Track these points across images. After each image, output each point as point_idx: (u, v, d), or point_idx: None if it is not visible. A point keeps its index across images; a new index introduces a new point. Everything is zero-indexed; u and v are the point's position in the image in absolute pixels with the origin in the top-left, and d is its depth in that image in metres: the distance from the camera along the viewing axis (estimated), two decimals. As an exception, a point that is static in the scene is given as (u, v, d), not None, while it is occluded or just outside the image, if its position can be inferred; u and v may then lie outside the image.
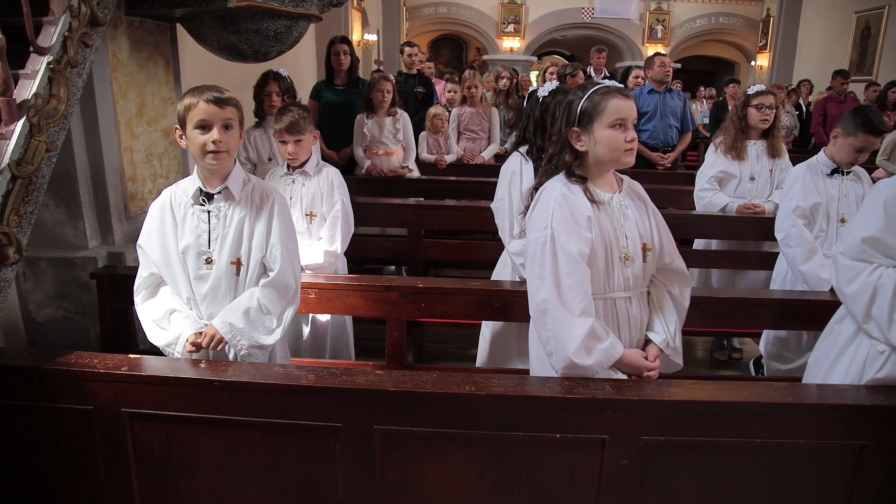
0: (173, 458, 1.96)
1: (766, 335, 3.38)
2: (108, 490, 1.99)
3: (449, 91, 5.95)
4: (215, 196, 2.09)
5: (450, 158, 5.40)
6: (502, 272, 3.15)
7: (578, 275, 1.89)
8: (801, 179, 3.13)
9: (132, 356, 2.01)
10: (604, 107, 1.90)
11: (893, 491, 1.86)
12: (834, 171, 3.11)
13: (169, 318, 2.12)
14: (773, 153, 3.78)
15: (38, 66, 2.30)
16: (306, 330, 3.14)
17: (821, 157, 3.16)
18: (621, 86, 1.98)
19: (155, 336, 2.13)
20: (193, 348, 2.06)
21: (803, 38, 12.93)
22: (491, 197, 3.08)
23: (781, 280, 3.36)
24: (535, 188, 2.08)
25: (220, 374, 1.90)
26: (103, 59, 3.02)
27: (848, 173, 3.12)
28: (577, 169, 1.99)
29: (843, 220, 3.07)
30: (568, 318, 1.87)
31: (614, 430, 1.83)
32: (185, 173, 2.13)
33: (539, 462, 1.88)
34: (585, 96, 1.95)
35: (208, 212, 2.10)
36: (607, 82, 1.99)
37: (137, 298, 2.18)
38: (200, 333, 2.08)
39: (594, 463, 1.86)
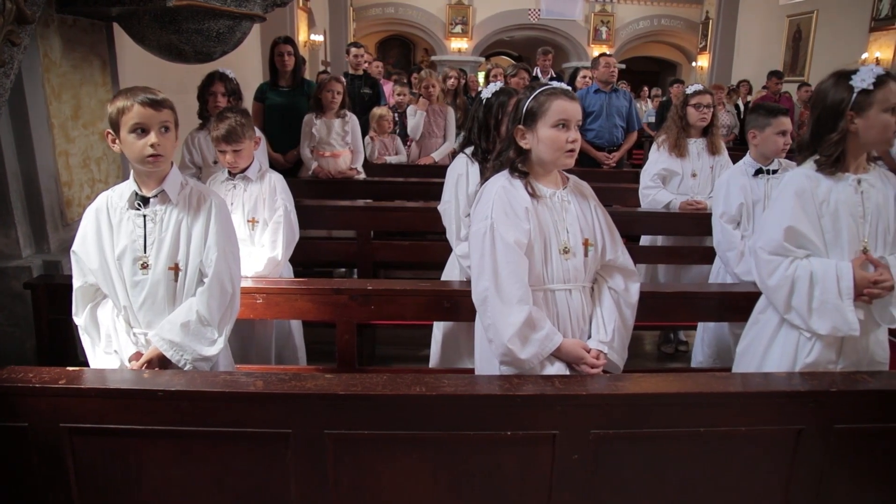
0: (118, 473, 1.89)
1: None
2: (48, 509, 1.91)
3: (398, 94, 5.92)
4: (151, 200, 2.03)
5: (395, 160, 5.39)
6: (451, 273, 3.15)
7: (515, 264, 1.93)
8: (725, 186, 3.16)
9: (70, 369, 1.94)
10: (548, 107, 1.95)
11: (830, 472, 1.93)
12: (758, 172, 3.13)
13: (109, 342, 2.08)
14: (713, 150, 3.93)
15: (-38, 67, 2.19)
16: (251, 336, 3.06)
17: (746, 160, 3.19)
18: (567, 87, 2.03)
19: (96, 363, 2.09)
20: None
21: (741, 39, 13.41)
22: (440, 197, 3.08)
23: (715, 274, 3.44)
24: (482, 183, 2.12)
25: (164, 384, 1.84)
26: (34, 59, 2.90)
27: (774, 172, 3.12)
28: (521, 165, 2.04)
29: None
30: (504, 306, 1.92)
31: (564, 425, 1.85)
32: (125, 177, 2.07)
33: (492, 460, 1.89)
34: (532, 96, 2.00)
35: (144, 216, 2.04)
36: (554, 83, 2.04)
37: (78, 320, 2.11)
38: (140, 354, 2.05)
39: (546, 458, 1.88)
